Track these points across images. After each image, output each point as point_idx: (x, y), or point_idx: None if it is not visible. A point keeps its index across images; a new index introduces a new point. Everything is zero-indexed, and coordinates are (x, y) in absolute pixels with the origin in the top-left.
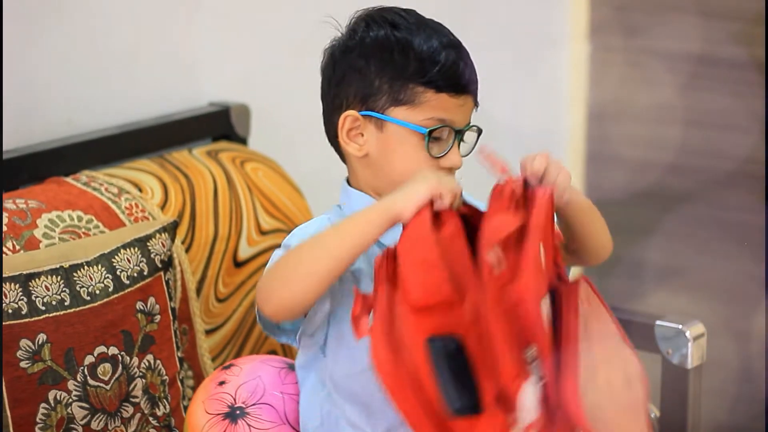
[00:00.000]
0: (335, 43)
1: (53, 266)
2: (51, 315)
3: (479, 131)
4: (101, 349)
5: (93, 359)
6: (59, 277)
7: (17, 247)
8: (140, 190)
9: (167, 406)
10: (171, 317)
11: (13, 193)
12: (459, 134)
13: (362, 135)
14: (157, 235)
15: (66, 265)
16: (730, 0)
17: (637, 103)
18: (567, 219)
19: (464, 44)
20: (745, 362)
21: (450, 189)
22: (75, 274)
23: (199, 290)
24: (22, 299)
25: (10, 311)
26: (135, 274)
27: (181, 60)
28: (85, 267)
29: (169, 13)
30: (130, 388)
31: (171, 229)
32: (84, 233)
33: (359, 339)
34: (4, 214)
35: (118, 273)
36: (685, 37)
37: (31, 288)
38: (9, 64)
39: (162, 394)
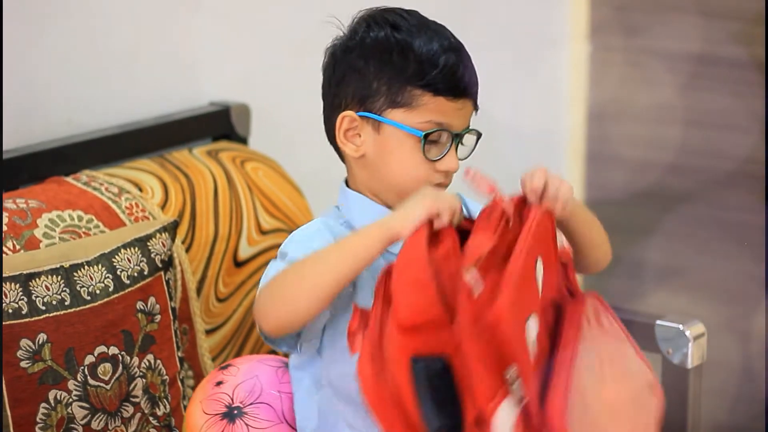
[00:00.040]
0: (337, 42)
1: (53, 266)
2: (51, 315)
3: (478, 135)
4: (101, 348)
5: (93, 359)
6: (59, 277)
7: (17, 247)
8: (140, 190)
9: (167, 406)
10: (171, 317)
11: (13, 193)
12: (457, 138)
13: (359, 136)
14: (158, 235)
15: (66, 264)
16: (730, 0)
17: (637, 103)
18: (569, 231)
19: (464, 44)
20: (746, 362)
21: (448, 207)
22: (75, 273)
23: (199, 290)
24: (23, 299)
25: (10, 311)
26: (135, 274)
27: (182, 60)
28: (86, 267)
29: (169, 13)
30: (131, 388)
31: (171, 228)
32: (84, 233)
33: (353, 354)
34: (5, 214)
35: (118, 273)
36: (685, 36)
37: (31, 288)
38: (9, 64)
39: (162, 394)
